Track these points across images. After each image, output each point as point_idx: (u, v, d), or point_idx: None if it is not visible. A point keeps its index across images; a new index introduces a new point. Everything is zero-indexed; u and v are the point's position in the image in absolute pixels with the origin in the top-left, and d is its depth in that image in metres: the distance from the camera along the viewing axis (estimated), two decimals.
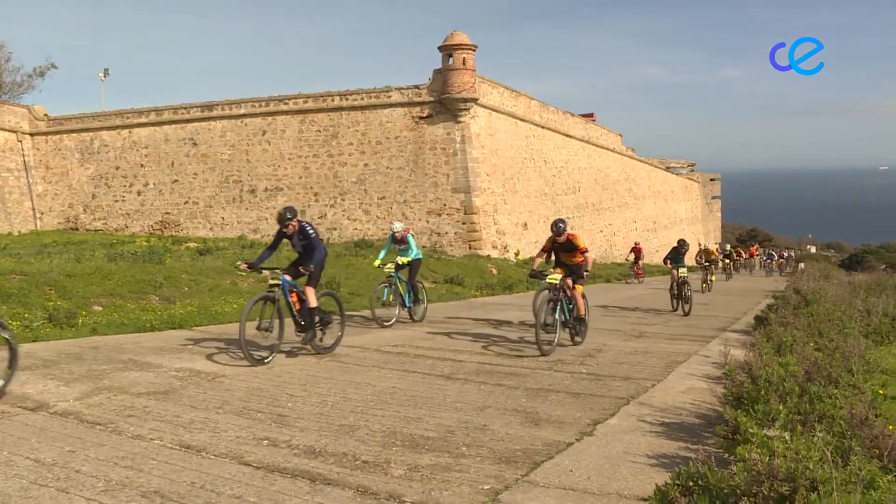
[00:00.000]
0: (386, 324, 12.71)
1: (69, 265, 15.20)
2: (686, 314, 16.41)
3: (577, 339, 10.78)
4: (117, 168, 37.31)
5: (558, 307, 10.23)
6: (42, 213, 38.30)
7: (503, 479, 4.71)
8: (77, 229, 37.29)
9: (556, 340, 10.00)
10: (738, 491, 3.67)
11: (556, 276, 10.23)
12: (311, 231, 9.40)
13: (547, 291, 10.19)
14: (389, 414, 6.37)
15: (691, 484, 3.83)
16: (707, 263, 25.44)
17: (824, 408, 5.36)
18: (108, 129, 37.62)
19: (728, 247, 44.93)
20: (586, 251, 10.90)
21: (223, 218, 35.19)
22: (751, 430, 4.69)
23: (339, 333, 9.93)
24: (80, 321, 11.04)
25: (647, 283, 30.35)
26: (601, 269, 35.30)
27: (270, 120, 34.53)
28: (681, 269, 17.19)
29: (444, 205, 32.01)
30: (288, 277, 9.28)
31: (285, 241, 9.65)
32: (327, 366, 8.70)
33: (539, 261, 11.36)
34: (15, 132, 37.55)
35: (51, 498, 4.23)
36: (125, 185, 37.00)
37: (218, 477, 4.66)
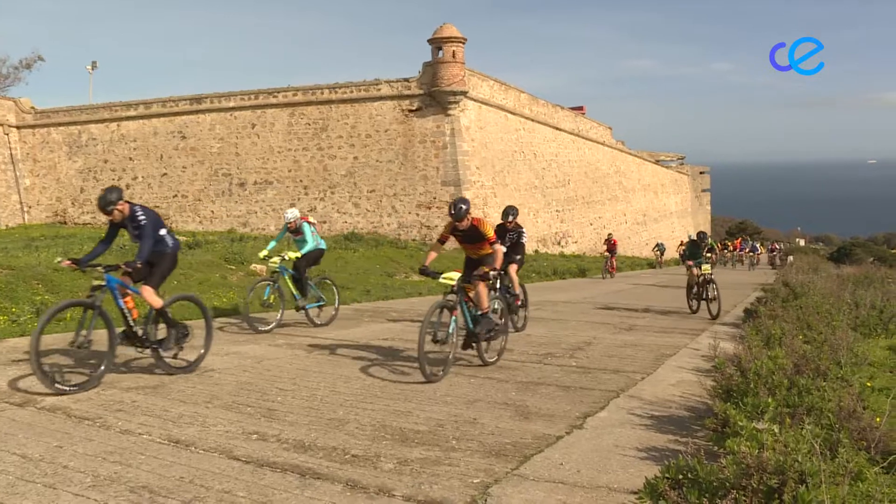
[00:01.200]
0: (263, 328, 10.80)
1: (57, 259, 15.09)
2: (714, 317, 14.60)
3: (489, 355, 8.60)
4: (106, 161, 37.12)
5: (453, 317, 7.91)
6: (30, 207, 38.07)
7: (493, 473, 4.71)
8: (65, 223, 37.09)
9: (450, 359, 7.81)
10: (728, 484, 3.68)
11: (451, 276, 8.04)
12: (141, 217, 7.36)
13: (453, 295, 8.06)
14: (379, 407, 6.36)
15: (681, 477, 3.83)
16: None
17: (813, 400, 5.38)
18: (97, 122, 37.40)
19: (708, 238, 44.19)
20: (495, 241, 8.71)
21: (212, 211, 35.06)
22: (740, 423, 4.70)
23: (203, 350, 8.01)
24: (69, 315, 10.97)
25: (619, 278, 29.18)
26: (580, 261, 35.34)
27: (260, 113, 34.41)
28: (703, 267, 15.34)
29: (434, 198, 31.98)
30: (123, 277, 7.33)
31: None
32: (317, 359, 8.68)
33: (433, 254, 8.71)
34: (1, 125, 37.30)
35: (37, 494, 4.20)
36: (114, 179, 36.79)
37: (207, 471, 4.64)
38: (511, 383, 7.53)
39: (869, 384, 7.24)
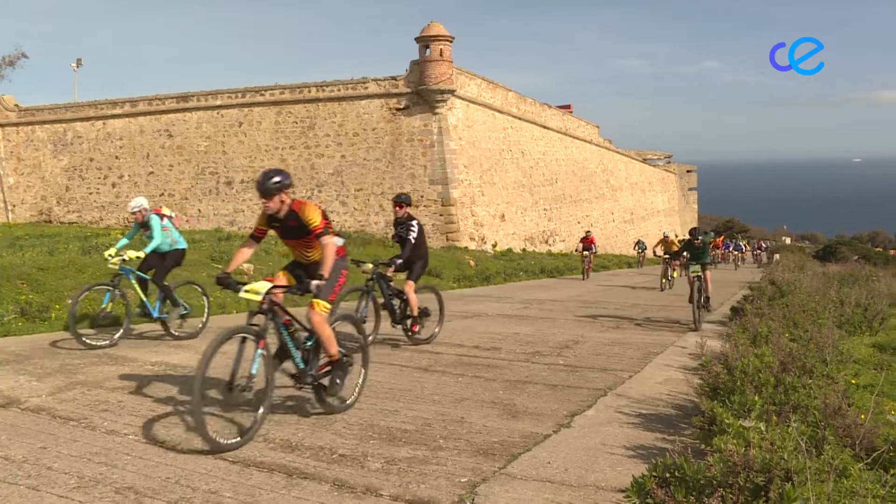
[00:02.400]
0: (98, 344, 8.88)
1: (42, 258, 15.00)
2: (695, 325, 12.63)
3: (332, 400, 6.08)
4: (91, 160, 36.88)
5: (258, 350, 5.38)
6: (14, 206, 37.77)
7: (481, 472, 4.71)
8: (50, 222, 36.83)
9: (258, 419, 5.38)
10: (715, 482, 3.69)
11: (257, 288, 5.58)
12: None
13: (262, 317, 5.62)
14: (366, 407, 6.34)
15: (668, 475, 3.84)
16: (668, 256, 21.01)
17: (799, 398, 5.41)
18: (82, 120, 37.14)
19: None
20: (322, 232, 5.87)
21: (199, 210, 34.90)
22: (727, 421, 4.71)
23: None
24: (54, 315, 10.89)
25: (594, 278, 26.90)
26: (567, 259, 35.36)
27: (247, 111, 34.27)
28: (693, 268, 13.58)
29: (422, 197, 31.95)
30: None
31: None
32: None
33: (242, 255, 6.23)
34: None
35: (20, 496, 4.17)
36: (100, 178, 36.57)
37: (193, 472, 4.62)
38: (499, 382, 7.53)
39: (854, 381, 7.29)
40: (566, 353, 9.45)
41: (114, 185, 36.36)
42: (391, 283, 9.71)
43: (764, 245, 55.39)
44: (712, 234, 15.18)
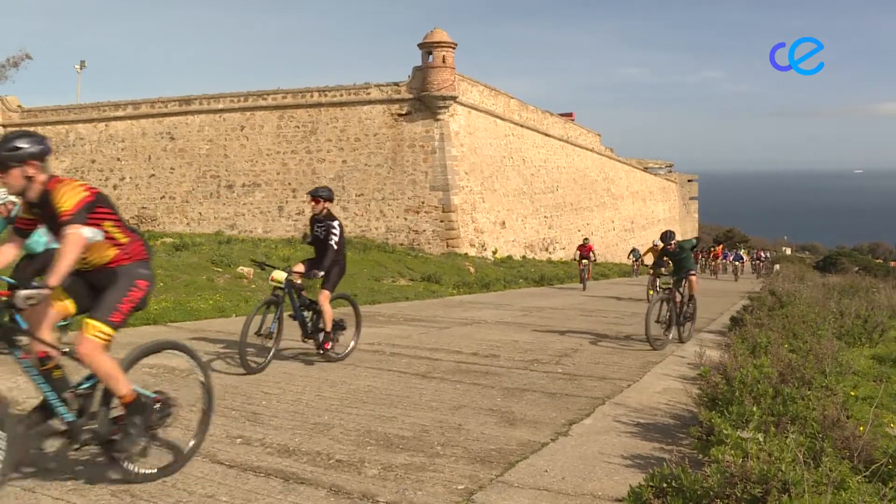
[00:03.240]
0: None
1: None
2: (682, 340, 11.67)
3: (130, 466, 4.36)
4: (93, 161, 36.94)
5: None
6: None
7: (477, 480, 4.70)
8: None
9: None
10: (712, 493, 3.68)
11: None
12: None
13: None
14: (364, 413, 6.33)
15: (665, 485, 3.83)
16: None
17: (797, 409, 5.40)
18: (84, 122, 37.23)
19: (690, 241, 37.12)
20: (70, 218, 4.03)
21: (200, 213, 34.93)
22: (725, 432, 4.71)
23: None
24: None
25: (592, 288, 25.53)
26: (567, 267, 35.34)
27: (249, 115, 34.33)
28: (662, 280, 11.96)
29: (423, 202, 31.99)
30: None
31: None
32: (302, 364, 8.65)
33: (6, 251, 4.34)
34: None
35: (16, 498, 4.15)
36: (101, 179, 36.61)
37: (189, 476, 4.60)
38: (497, 389, 7.52)
39: (853, 393, 7.27)
40: (565, 360, 9.44)
41: (115, 188, 36.38)
42: (303, 293, 8.52)
43: (763, 255, 54.18)
44: (693, 240, 13.69)
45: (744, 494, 3.63)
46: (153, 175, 35.79)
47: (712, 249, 48.77)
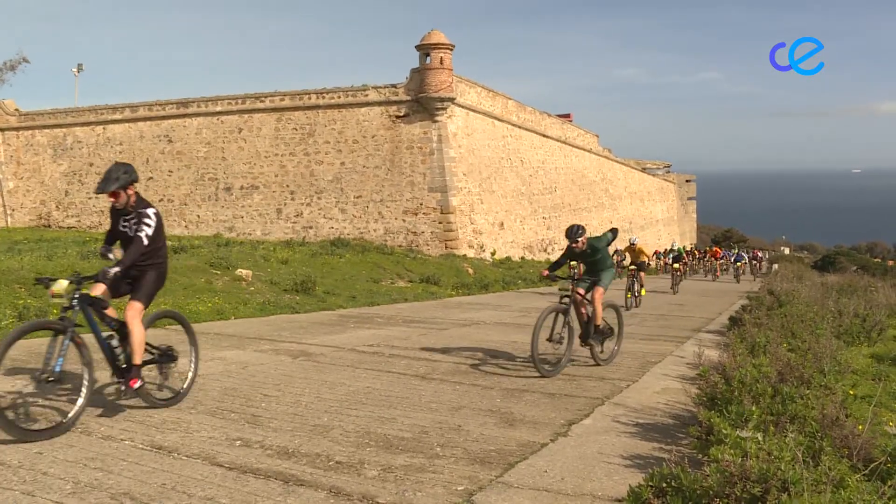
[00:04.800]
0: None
1: (40, 263, 15.00)
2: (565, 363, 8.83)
3: None
4: (91, 165, 36.91)
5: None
6: (13, 210, 37.79)
7: (477, 480, 4.70)
8: (49, 226, 36.84)
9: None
10: (711, 492, 3.69)
11: None
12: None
13: None
14: (364, 414, 6.33)
15: (664, 485, 3.84)
16: (634, 268, 18.62)
17: (796, 408, 5.40)
18: (82, 125, 37.21)
19: (676, 245, 31.50)
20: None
21: (199, 216, 34.92)
22: (724, 431, 4.71)
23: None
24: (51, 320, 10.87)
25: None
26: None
27: (247, 117, 34.33)
28: (562, 285, 9.22)
29: (421, 204, 31.99)
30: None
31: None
32: (302, 365, 8.65)
33: None
34: None
35: (15, 501, 4.15)
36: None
37: (189, 478, 4.60)
38: (496, 390, 7.52)
39: (852, 392, 7.28)
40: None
41: None
42: (107, 311, 6.14)
43: (759, 254, 52.64)
44: (609, 234, 9.76)
45: (743, 494, 3.63)
46: (151, 178, 35.77)
47: (708, 250, 48.13)
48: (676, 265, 26.43)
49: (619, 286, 20.31)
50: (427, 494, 4.43)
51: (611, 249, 10.96)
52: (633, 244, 19.98)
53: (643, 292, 18.94)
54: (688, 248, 44.75)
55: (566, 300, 8.83)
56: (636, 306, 17.97)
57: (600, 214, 53.16)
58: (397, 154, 32.34)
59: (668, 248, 28.57)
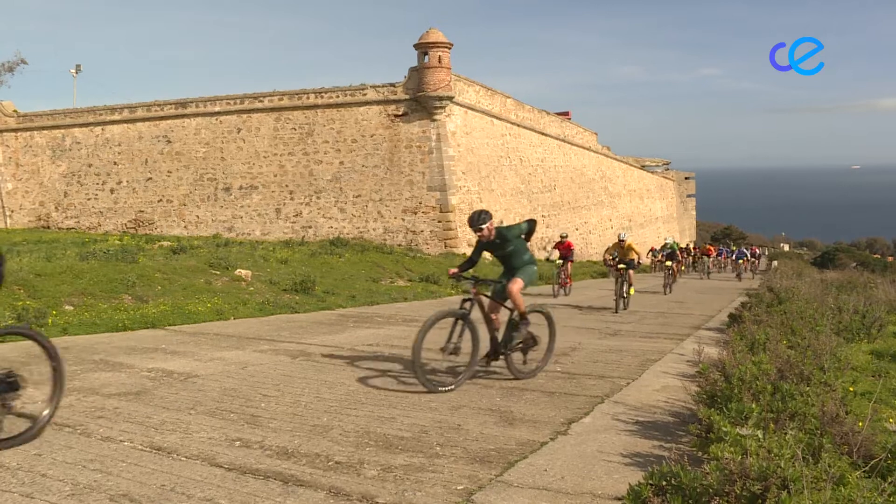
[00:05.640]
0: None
1: (39, 264, 14.99)
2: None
3: None
4: (90, 166, 36.89)
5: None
6: (12, 211, 37.77)
7: (477, 479, 4.69)
8: (49, 227, 36.82)
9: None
10: (711, 490, 3.68)
11: None
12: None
13: None
14: (363, 414, 6.33)
15: (664, 483, 3.83)
16: (622, 266, 17.15)
17: (796, 405, 5.40)
18: (81, 126, 37.18)
19: (670, 240, 29.93)
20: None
21: (198, 216, 34.90)
22: (724, 429, 4.70)
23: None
24: (51, 321, 10.88)
25: (577, 290, 23.23)
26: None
27: (245, 117, 34.31)
28: (464, 286, 7.95)
29: (420, 203, 31.98)
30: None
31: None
32: (301, 365, 8.64)
33: None
34: None
35: None
36: (98, 183, 36.58)
37: (189, 479, 4.60)
38: (496, 389, 7.51)
39: (851, 389, 7.27)
40: (563, 359, 9.43)
41: (112, 191, 36.36)
42: None
43: (757, 251, 50.19)
44: (524, 224, 8.30)
45: (743, 492, 3.63)
46: (150, 178, 35.75)
47: (700, 247, 46.64)
48: (669, 262, 25.04)
49: (608, 286, 19.55)
50: (427, 494, 4.43)
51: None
52: (622, 241, 18.43)
53: (631, 291, 17.61)
54: (682, 246, 43.41)
55: (467, 304, 7.59)
56: (625, 308, 16.73)
57: (599, 212, 53.18)
58: (396, 153, 32.33)
59: (662, 244, 27.29)
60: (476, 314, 7.64)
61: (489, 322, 7.84)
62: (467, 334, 7.41)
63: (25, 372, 5.44)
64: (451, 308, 7.56)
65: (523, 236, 8.20)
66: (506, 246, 8.07)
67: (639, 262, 17.61)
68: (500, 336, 7.93)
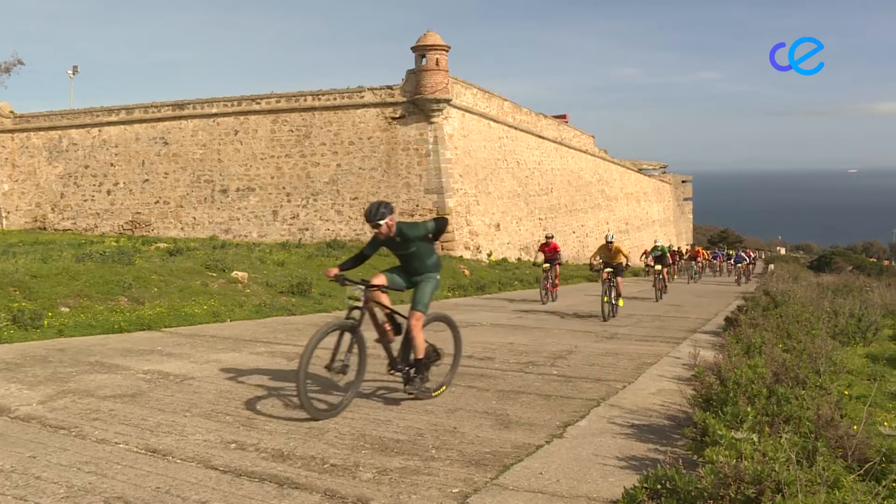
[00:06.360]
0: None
1: (35, 265, 14.95)
2: None
3: None
4: (87, 167, 36.84)
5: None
6: (8, 213, 37.70)
7: (472, 483, 4.69)
8: (45, 229, 36.76)
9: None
10: (706, 494, 3.69)
11: None
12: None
13: None
14: (359, 416, 6.32)
15: (659, 487, 3.84)
16: (608, 270, 15.84)
17: (791, 409, 5.40)
18: (77, 127, 37.13)
19: (660, 242, 27.06)
20: None
21: (194, 218, 34.86)
22: (719, 432, 4.71)
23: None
24: (46, 323, 10.86)
25: (572, 293, 23.43)
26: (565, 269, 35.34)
27: (242, 119, 34.29)
28: (351, 292, 6.74)
29: (417, 206, 31.98)
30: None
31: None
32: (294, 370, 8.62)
33: None
34: None
35: None
36: (95, 185, 36.53)
37: (184, 481, 4.59)
38: (492, 392, 7.51)
39: (847, 392, 7.29)
40: (560, 363, 9.44)
41: (109, 193, 36.31)
42: None
43: (752, 255, 48.25)
44: (431, 223, 6.96)
45: (738, 495, 3.64)
46: (147, 180, 35.72)
47: (690, 250, 45.37)
48: (659, 267, 22.91)
49: (594, 291, 18.95)
50: (422, 497, 4.43)
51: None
52: (610, 242, 16.86)
53: (620, 303, 16.43)
54: (675, 248, 42.47)
55: (356, 313, 6.50)
56: (613, 316, 15.53)
57: (596, 215, 53.21)
58: (393, 156, 32.33)
59: (653, 247, 24.12)
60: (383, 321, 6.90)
61: (383, 335, 6.80)
62: (357, 348, 6.45)
63: None
64: (339, 319, 6.46)
65: (431, 236, 6.99)
66: (407, 246, 6.91)
67: (627, 266, 16.58)
68: (395, 351, 6.89)
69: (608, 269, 15.79)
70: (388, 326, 6.82)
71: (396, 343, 6.92)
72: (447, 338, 7.55)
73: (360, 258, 6.97)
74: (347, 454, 5.24)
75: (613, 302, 15.71)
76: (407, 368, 6.86)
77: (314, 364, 6.30)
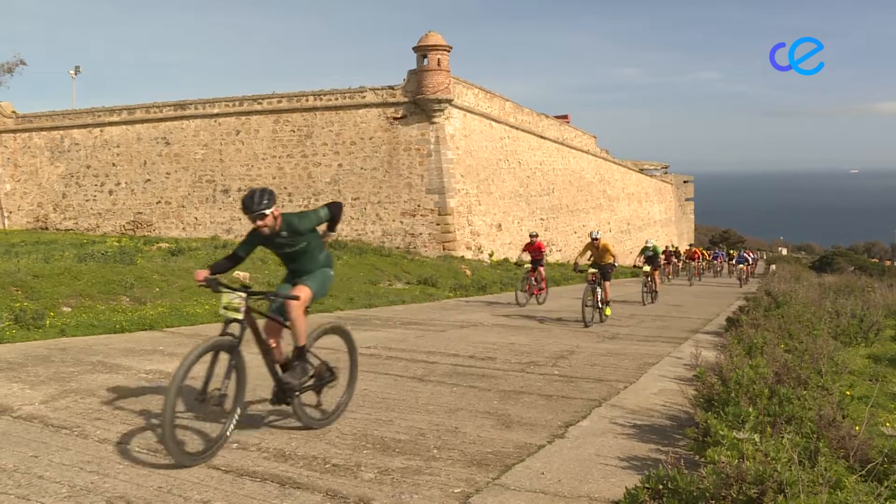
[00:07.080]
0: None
1: (37, 265, 14.97)
2: None
3: None
4: (88, 167, 36.87)
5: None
6: (10, 212, 37.73)
7: (474, 483, 4.69)
8: (47, 229, 36.79)
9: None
10: (707, 494, 3.69)
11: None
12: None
13: None
14: (360, 416, 6.32)
15: (661, 487, 3.83)
16: (593, 271, 14.74)
17: (793, 409, 5.40)
18: (79, 127, 37.16)
19: (651, 242, 23.81)
20: None
21: (196, 218, 34.88)
22: (721, 433, 4.71)
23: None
24: (48, 322, 10.87)
25: (568, 294, 22.85)
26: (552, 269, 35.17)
27: (244, 119, 34.30)
28: (227, 302, 5.38)
29: (419, 206, 31.98)
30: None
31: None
32: None
33: None
34: None
35: None
36: (96, 185, 36.55)
37: (186, 481, 4.59)
38: (493, 392, 7.51)
39: (848, 393, 7.28)
40: (561, 363, 9.44)
41: (111, 193, 36.33)
42: None
43: (752, 256, 46.04)
44: (323, 211, 5.93)
45: (739, 495, 3.63)
46: (149, 180, 35.73)
47: (687, 250, 44.12)
48: (648, 268, 20.95)
49: (576, 294, 17.80)
50: (423, 497, 4.43)
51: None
52: (596, 240, 15.44)
53: (608, 311, 14.94)
54: (673, 248, 41.34)
55: (234, 327, 5.35)
56: (601, 321, 14.49)
57: (598, 216, 53.20)
58: (395, 156, 32.34)
59: (643, 246, 22.29)
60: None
61: (267, 353, 5.66)
62: (235, 373, 5.27)
63: None
64: (214, 338, 5.20)
65: (325, 227, 6.00)
66: (296, 242, 5.81)
67: (614, 266, 15.25)
68: (281, 371, 5.77)
69: (593, 270, 14.68)
70: (273, 342, 5.72)
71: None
72: (343, 357, 6.54)
73: (233, 259, 5.72)
74: (349, 454, 5.24)
75: (600, 306, 14.47)
76: (296, 395, 5.70)
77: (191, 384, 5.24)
